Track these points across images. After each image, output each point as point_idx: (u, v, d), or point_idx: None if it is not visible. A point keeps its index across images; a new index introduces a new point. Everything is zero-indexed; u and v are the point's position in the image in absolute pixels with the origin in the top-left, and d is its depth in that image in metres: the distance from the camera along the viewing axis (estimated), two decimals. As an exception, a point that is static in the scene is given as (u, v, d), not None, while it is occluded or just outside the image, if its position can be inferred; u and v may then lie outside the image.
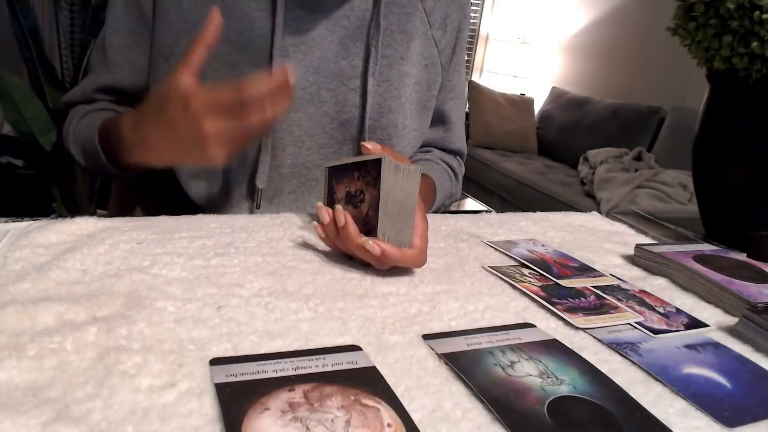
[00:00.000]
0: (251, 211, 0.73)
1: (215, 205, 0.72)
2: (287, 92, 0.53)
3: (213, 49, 0.65)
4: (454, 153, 0.90)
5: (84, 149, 0.70)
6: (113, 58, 0.70)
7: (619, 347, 0.45)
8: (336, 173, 0.58)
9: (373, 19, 0.70)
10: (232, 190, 0.72)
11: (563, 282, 0.56)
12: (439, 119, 0.85)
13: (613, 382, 0.40)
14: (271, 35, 0.66)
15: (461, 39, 0.82)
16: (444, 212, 0.76)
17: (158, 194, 0.76)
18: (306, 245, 0.57)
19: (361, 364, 0.37)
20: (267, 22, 0.66)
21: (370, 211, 0.53)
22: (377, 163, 0.52)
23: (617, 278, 0.59)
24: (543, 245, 0.66)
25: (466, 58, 0.91)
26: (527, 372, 0.39)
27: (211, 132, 0.52)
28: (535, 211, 0.81)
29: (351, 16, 0.70)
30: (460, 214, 0.76)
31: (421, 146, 0.86)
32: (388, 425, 0.32)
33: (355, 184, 0.55)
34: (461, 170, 0.91)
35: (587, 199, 2.67)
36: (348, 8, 0.70)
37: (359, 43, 0.71)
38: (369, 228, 0.53)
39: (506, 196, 3.13)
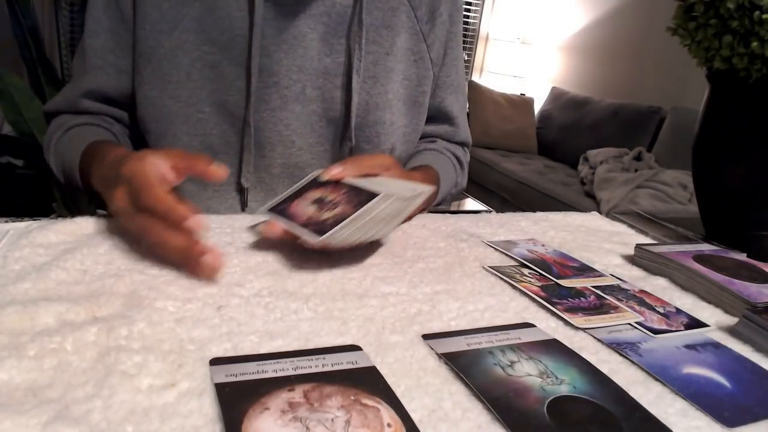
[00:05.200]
0: (242, 209, 0.73)
1: (206, 206, 0.72)
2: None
3: (195, 49, 0.66)
4: (460, 144, 0.90)
5: (63, 168, 0.69)
6: (95, 61, 0.69)
7: (619, 347, 0.45)
8: (320, 182, 0.57)
9: (354, 16, 0.70)
10: (222, 192, 0.72)
11: (563, 282, 0.56)
12: (443, 117, 0.86)
13: (613, 382, 0.40)
14: (250, 34, 0.66)
15: (455, 33, 0.81)
16: (444, 212, 0.76)
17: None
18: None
19: (361, 364, 0.37)
20: (247, 21, 0.66)
21: (329, 220, 0.50)
22: (372, 195, 0.51)
23: (617, 278, 0.59)
24: (543, 245, 0.66)
25: (464, 55, 0.92)
26: (527, 372, 0.39)
27: (114, 207, 0.49)
28: (535, 211, 0.81)
29: (332, 12, 0.69)
30: (460, 214, 0.76)
31: (427, 137, 0.87)
32: (388, 425, 0.32)
33: (334, 194, 0.54)
34: (467, 158, 0.92)
35: (587, 199, 2.67)
36: (329, 4, 0.69)
37: (342, 39, 0.70)
38: (314, 228, 0.50)
39: (506, 196, 3.13)
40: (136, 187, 0.47)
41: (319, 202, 0.54)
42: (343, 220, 0.49)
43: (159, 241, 0.46)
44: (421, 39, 0.76)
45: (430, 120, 0.85)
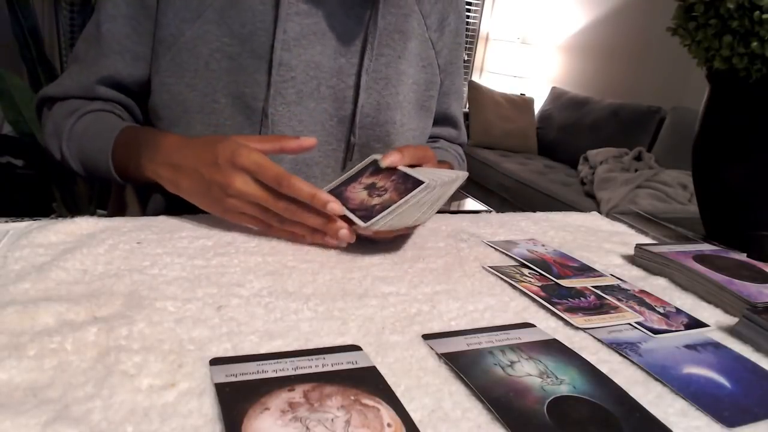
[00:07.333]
0: None
1: None
2: (332, 230, 0.55)
3: (215, 40, 0.66)
4: (460, 145, 0.97)
5: (86, 154, 0.67)
6: (113, 46, 0.68)
7: (619, 347, 0.45)
8: (376, 167, 0.60)
9: (371, 18, 0.71)
10: None
11: (563, 282, 0.56)
12: (449, 122, 0.91)
13: (613, 382, 0.40)
14: (273, 28, 0.66)
15: (459, 43, 0.85)
16: (444, 212, 0.76)
17: (158, 194, 0.76)
18: (306, 245, 0.57)
19: (361, 364, 0.37)
20: (270, 15, 0.67)
21: (377, 206, 0.54)
22: (418, 182, 0.55)
23: (617, 278, 0.59)
24: (543, 245, 0.66)
25: (465, 58, 0.95)
26: (527, 372, 0.39)
27: (235, 192, 0.54)
28: (535, 211, 0.82)
29: (350, 14, 0.71)
30: (460, 214, 0.76)
31: (431, 138, 0.91)
32: (388, 425, 0.32)
33: (384, 181, 0.58)
34: (464, 156, 0.98)
35: (587, 199, 2.67)
36: (348, 6, 0.70)
37: (357, 41, 0.72)
38: (363, 213, 0.54)
39: (506, 196, 3.13)
40: (272, 176, 0.53)
41: (371, 188, 0.57)
42: (389, 207, 0.53)
43: (299, 219, 0.55)
44: (430, 46, 0.79)
45: (436, 123, 0.89)
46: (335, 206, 0.53)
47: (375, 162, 0.61)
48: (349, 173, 0.61)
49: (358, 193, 0.57)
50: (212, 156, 0.55)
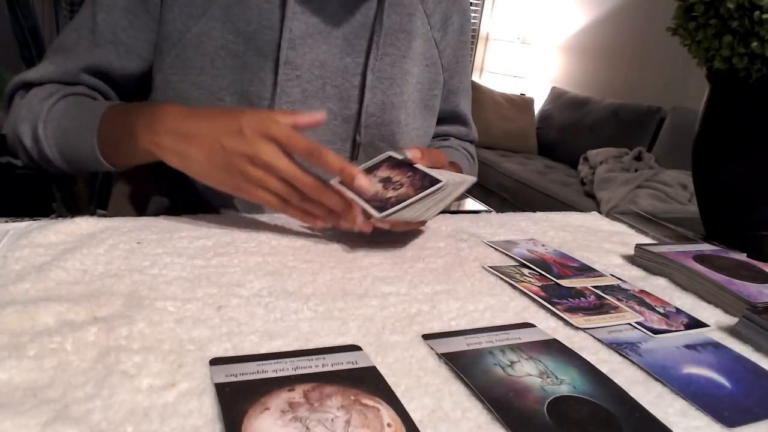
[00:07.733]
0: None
1: (225, 198, 0.72)
2: (350, 217, 0.55)
3: (220, 37, 0.66)
4: (471, 142, 0.98)
5: (66, 132, 0.63)
6: (107, 36, 0.66)
7: (619, 347, 0.45)
8: (392, 162, 0.61)
9: (376, 17, 0.72)
10: None
11: (563, 282, 0.56)
12: (458, 120, 0.92)
13: (613, 382, 0.40)
14: (280, 26, 0.66)
15: (465, 42, 0.85)
16: (444, 212, 0.76)
17: (159, 194, 0.76)
18: (306, 245, 0.57)
19: (361, 364, 0.37)
20: (276, 13, 0.67)
21: (393, 198, 0.54)
22: (435, 181, 0.55)
23: (617, 278, 0.59)
24: (543, 245, 0.66)
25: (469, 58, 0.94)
26: (527, 372, 0.39)
27: (262, 162, 0.53)
28: (535, 211, 0.82)
29: (356, 13, 0.71)
30: (460, 214, 0.76)
31: (441, 136, 0.92)
32: (388, 425, 0.32)
33: (400, 176, 0.58)
34: (475, 153, 0.99)
35: (587, 199, 2.67)
36: (353, 5, 0.71)
37: (363, 40, 0.72)
38: (377, 204, 0.55)
39: (506, 196, 3.13)
40: (304, 147, 0.53)
41: (386, 181, 0.58)
42: (404, 200, 0.53)
43: (320, 199, 0.54)
44: (434, 45, 0.79)
45: (445, 121, 0.90)
46: (363, 181, 0.53)
47: (390, 158, 0.61)
48: (364, 165, 0.61)
49: (372, 185, 0.57)
50: (236, 125, 0.53)
